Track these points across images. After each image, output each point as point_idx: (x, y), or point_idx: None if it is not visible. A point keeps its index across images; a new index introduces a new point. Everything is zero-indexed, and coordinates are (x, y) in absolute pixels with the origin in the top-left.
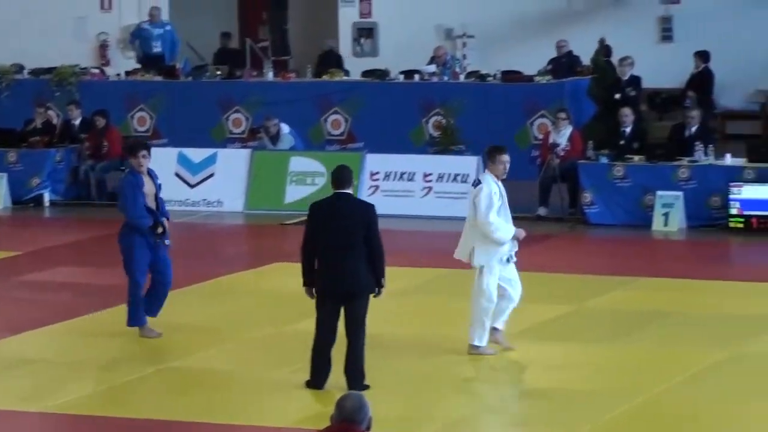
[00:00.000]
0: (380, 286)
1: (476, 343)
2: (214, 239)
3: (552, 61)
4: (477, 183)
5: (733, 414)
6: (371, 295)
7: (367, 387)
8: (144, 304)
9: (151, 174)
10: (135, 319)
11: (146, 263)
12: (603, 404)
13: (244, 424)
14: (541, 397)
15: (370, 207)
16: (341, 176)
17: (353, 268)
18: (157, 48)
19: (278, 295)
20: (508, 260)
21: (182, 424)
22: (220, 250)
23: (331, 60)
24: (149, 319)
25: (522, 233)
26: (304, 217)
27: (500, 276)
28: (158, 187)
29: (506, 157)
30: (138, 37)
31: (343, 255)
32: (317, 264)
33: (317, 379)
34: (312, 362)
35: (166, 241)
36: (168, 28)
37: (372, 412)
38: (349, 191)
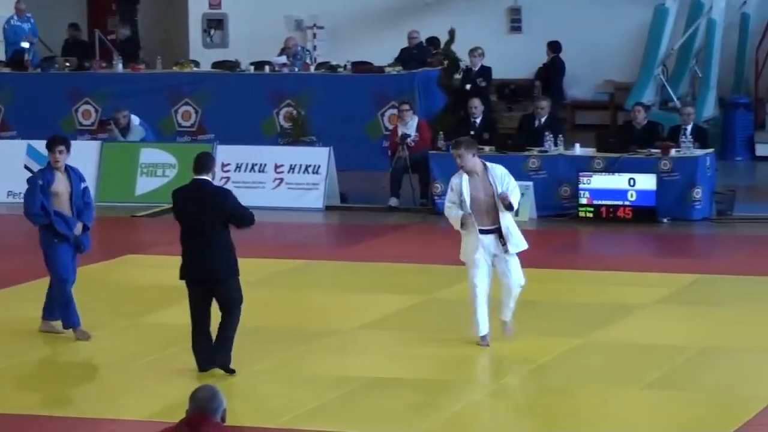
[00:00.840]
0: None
1: (473, 334)
2: None
3: (402, 51)
4: None
5: (581, 401)
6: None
7: (232, 371)
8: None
9: (70, 172)
10: (68, 320)
11: (69, 260)
12: (454, 394)
13: (100, 417)
14: (391, 388)
15: (226, 192)
16: (201, 162)
17: (214, 253)
18: (24, 43)
19: (130, 288)
20: (497, 254)
21: (37, 418)
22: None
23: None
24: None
25: (456, 223)
26: (156, 209)
27: (499, 269)
28: (77, 188)
29: (457, 152)
30: (8, 32)
31: (202, 241)
32: (182, 250)
33: (200, 361)
34: (193, 350)
35: (83, 248)
36: (32, 21)
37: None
38: (208, 177)
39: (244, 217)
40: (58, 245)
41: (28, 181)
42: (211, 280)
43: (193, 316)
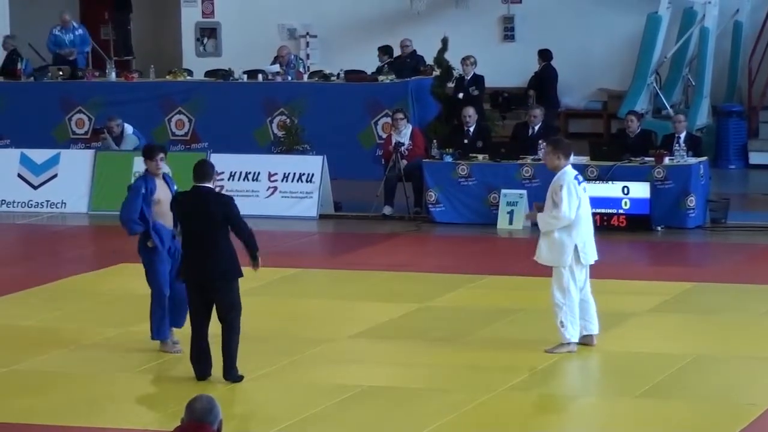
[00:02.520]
0: (255, 258)
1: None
2: (58, 241)
3: (394, 60)
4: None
5: (574, 411)
6: (253, 270)
7: (240, 378)
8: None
9: (167, 180)
10: (158, 332)
11: (167, 272)
12: (448, 403)
13: (90, 426)
14: (385, 396)
15: (228, 200)
16: (201, 170)
17: (212, 257)
18: (71, 56)
19: (122, 296)
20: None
21: (28, 427)
22: (64, 251)
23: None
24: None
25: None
26: None
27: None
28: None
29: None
30: (49, 43)
31: (201, 245)
32: (183, 252)
33: (198, 370)
34: (190, 354)
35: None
36: (80, 32)
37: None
38: (210, 185)
39: (244, 226)
40: (156, 259)
41: (131, 188)
42: (211, 282)
43: (192, 323)
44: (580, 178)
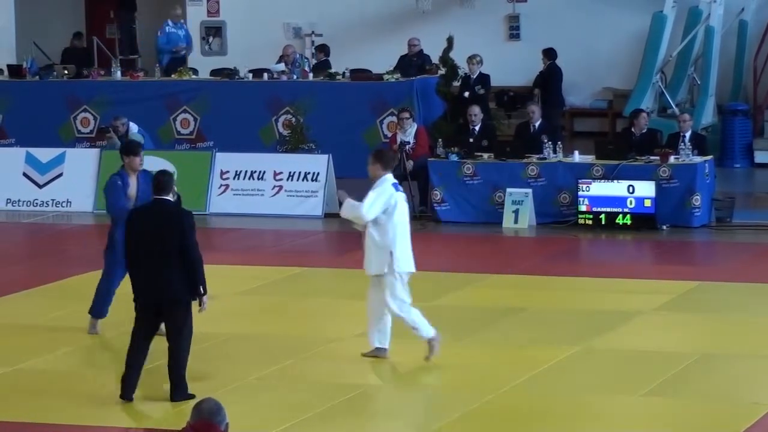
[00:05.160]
0: (200, 294)
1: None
2: (63, 240)
3: (400, 59)
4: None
5: (581, 409)
6: (198, 308)
7: (191, 396)
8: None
9: (141, 179)
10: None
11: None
12: (454, 401)
13: (98, 425)
14: (391, 396)
15: (185, 214)
16: (160, 182)
17: (165, 277)
18: (182, 53)
19: (127, 296)
20: None
21: (35, 426)
22: (69, 250)
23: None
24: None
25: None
26: None
27: None
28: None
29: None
30: (161, 40)
31: (155, 263)
32: (135, 272)
33: (125, 390)
34: (123, 373)
35: None
36: (185, 27)
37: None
38: (168, 197)
39: (193, 246)
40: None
41: (108, 184)
42: (163, 304)
43: (132, 341)
44: (400, 188)
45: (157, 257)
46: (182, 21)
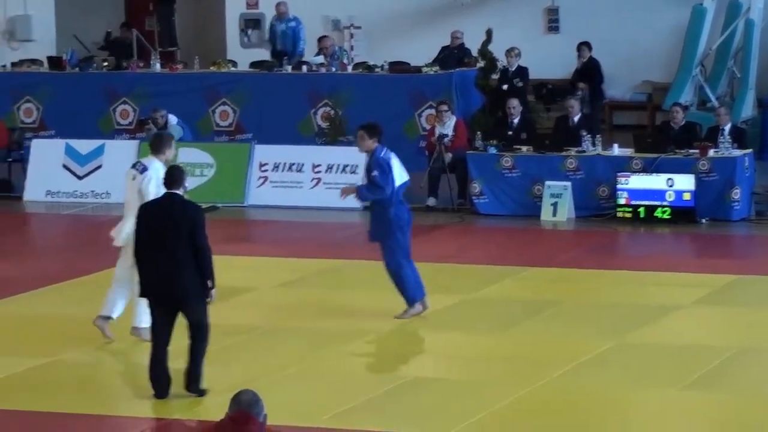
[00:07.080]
0: (208, 288)
1: None
2: (102, 231)
3: (442, 49)
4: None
5: (618, 402)
6: (207, 301)
7: (203, 392)
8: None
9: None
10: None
11: None
12: (492, 394)
13: (131, 416)
14: (431, 387)
15: (196, 209)
16: (171, 176)
17: (179, 273)
18: (281, 46)
19: None
20: None
21: (70, 416)
22: (108, 242)
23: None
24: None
25: None
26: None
27: None
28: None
29: None
30: (271, 33)
31: (168, 258)
32: (146, 268)
33: (157, 389)
34: (149, 372)
35: None
36: (292, 24)
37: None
38: (179, 192)
39: (204, 241)
40: None
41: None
42: (178, 300)
43: (154, 340)
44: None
45: (169, 252)
46: (290, 16)
